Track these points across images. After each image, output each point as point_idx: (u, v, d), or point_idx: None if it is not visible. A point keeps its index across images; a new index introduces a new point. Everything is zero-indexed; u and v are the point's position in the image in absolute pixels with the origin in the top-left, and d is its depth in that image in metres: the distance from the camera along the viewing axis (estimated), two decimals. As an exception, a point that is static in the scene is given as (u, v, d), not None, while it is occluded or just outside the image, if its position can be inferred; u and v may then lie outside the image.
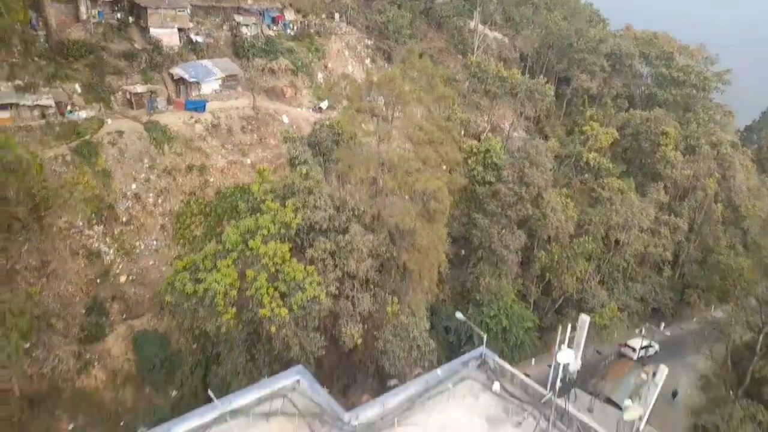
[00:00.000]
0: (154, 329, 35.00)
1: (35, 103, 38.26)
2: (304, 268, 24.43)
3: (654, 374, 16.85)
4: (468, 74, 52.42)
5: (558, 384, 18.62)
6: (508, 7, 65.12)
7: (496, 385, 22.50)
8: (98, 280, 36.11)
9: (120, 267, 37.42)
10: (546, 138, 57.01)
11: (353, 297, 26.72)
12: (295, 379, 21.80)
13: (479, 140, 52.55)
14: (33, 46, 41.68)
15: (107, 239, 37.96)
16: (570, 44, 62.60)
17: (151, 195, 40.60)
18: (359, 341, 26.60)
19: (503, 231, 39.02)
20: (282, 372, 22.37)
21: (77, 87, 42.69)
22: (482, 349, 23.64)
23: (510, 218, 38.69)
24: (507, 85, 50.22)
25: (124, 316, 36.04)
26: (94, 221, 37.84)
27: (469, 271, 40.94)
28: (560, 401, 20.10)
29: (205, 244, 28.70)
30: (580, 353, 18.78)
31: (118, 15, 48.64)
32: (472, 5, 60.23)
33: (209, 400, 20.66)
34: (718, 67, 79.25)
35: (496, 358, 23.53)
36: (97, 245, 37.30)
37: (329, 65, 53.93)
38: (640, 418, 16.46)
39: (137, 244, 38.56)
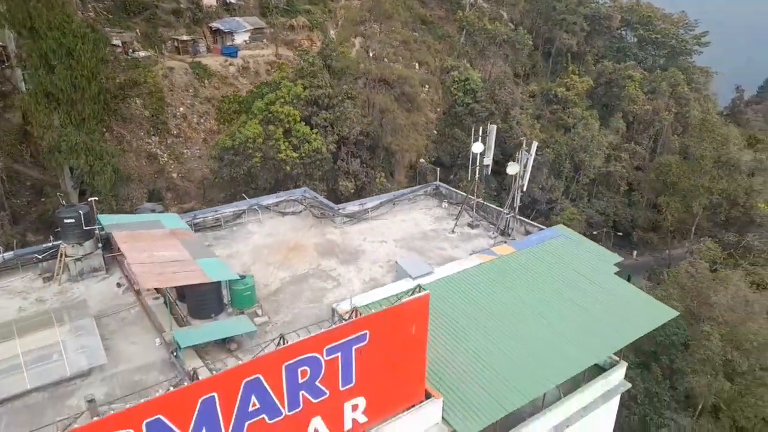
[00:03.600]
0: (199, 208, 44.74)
1: (107, 42, 48.58)
2: (310, 129, 33.60)
3: (529, 147, 25.28)
4: (458, 28, 61.32)
5: (477, 175, 27.28)
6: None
7: (445, 203, 31.26)
8: (156, 175, 46.12)
9: (172, 167, 47.30)
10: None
11: (347, 159, 35.70)
12: (302, 193, 30.92)
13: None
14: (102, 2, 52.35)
15: (162, 147, 47.91)
16: (553, 7, 70.88)
17: (195, 116, 50.49)
18: (352, 192, 35.63)
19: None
20: (294, 189, 31.62)
21: (137, 33, 53.12)
22: (437, 182, 32.47)
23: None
24: (491, 36, 59.02)
25: (175, 202, 45.96)
26: (152, 133, 47.96)
27: (451, 179, 49.68)
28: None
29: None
30: (491, 153, 27.43)
31: (167, -19, 59.14)
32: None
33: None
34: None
35: (448, 187, 32.33)
36: (154, 150, 47.25)
37: (339, 23, 63.36)
38: (523, 176, 25.11)
39: (185, 151, 48.42)
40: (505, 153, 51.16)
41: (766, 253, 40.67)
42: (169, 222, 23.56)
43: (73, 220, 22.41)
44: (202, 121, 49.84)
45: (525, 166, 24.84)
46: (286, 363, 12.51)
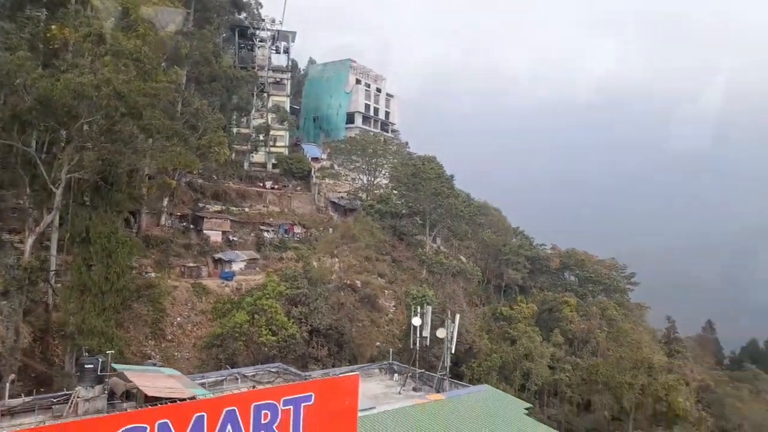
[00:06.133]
0: (182, 403, 47.94)
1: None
2: (288, 320, 40.18)
3: (454, 318, 31.78)
4: (420, 262, 72.75)
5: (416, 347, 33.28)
6: (454, 225, 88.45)
7: (396, 376, 36.36)
8: (148, 373, 50.36)
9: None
10: (485, 314, 74.37)
11: (317, 347, 41.33)
12: (277, 366, 36.02)
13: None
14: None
15: (156, 350, 53.19)
16: (499, 250, 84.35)
17: (189, 325, 56.85)
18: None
19: (433, 347, 53.98)
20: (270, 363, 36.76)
21: (151, 261, 62.89)
22: (390, 361, 37.97)
23: (437, 337, 53.95)
24: (446, 267, 70.17)
25: (161, 398, 49.28)
26: (150, 338, 53.80)
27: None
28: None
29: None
30: (428, 328, 34.06)
31: (184, 223, 71.76)
32: (425, 223, 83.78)
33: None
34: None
35: (400, 364, 37.73)
36: (149, 352, 52.40)
37: (322, 258, 74.62)
38: (450, 340, 31.35)
39: (176, 354, 53.40)
40: (454, 355, 57.00)
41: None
42: (167, 371, 28.96)
43: (91, 366, 27.76)
44: (195, 329, 56.10)
45: (451, 333, 31.50)
46: (254, 403, 17.94)
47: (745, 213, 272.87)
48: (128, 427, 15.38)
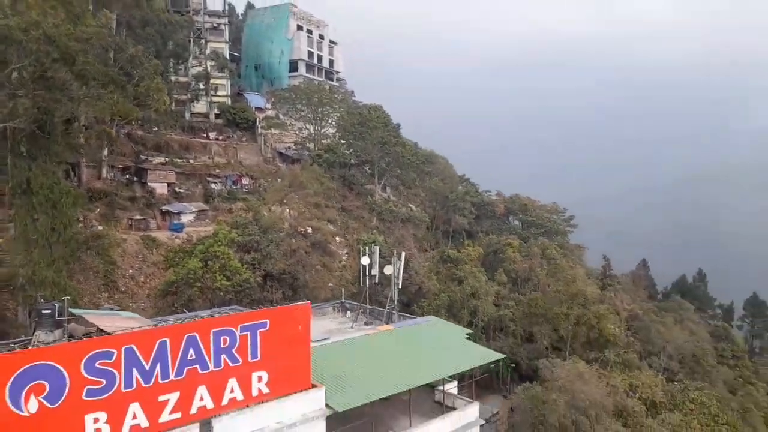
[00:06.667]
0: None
1: (70, 217, 56.94)
2: (242, 266, 41.61)
3: (400, 256, 34.22)
4: (370, 210, 74.83)
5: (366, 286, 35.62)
6: (403, 174, 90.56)
7: (349, 313, 38.80)
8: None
9: (117, 318, 52.43)
10: (434, 258, 77.85)
11: (271, 291, 43.13)
12: (232, 309, 37.68)
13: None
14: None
15: (110, 301, 53.54)
16: (447, 197, 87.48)
17: (142, 276, 57.24)
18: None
19: (384, 290, 56.80)
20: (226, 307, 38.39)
21: (97, 214, 62.04)
22: (343, 299, 40.33)
23: (386, 277, 56.78)
24: (395, 214, 72.55)
25: (116, 348, 50.19)
26: (102, 290, 54.00)
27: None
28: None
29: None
30: (376, 266, 36.32)
31: (127, 176, 70.51)
32: (374, 172, 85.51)
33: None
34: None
35: (352, 302, 40.16)
36: (103, 304, 52.76)
37: (271, 208, 75.40)
38: (397, 276, 33.75)
39: (130, 305, 53.93)
40: (405, 296, 60.27)
41: (620, 364, 49.43)
42: (125, 314, 30.05)
43: (49, 311, 28.48)
44: (148, 280, 56.56)
45: (398, 269, 33.81)
46: (214, 329, 19.54)
47: (687, 161, 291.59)
48: (97, 351, 16.73)
